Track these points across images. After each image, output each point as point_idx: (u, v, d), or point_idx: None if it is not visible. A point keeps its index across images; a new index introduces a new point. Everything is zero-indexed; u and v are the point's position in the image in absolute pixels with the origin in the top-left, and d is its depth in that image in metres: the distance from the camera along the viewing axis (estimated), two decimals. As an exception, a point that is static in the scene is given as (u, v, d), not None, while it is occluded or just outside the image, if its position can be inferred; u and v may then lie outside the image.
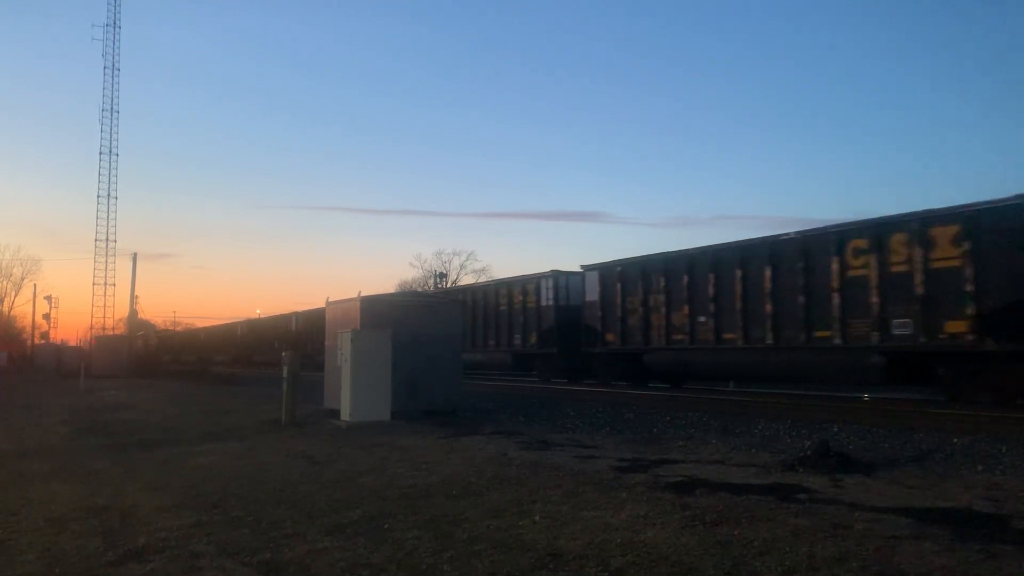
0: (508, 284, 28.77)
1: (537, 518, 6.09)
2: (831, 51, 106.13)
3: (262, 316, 53.06)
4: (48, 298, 70.73)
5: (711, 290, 18.94)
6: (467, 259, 69.27)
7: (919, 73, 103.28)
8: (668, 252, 20.75)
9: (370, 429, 12.58)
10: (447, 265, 68.22)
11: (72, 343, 75.14)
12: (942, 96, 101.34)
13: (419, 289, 60.51)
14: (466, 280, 62.44)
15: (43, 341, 66.59)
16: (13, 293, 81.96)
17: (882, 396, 17.41)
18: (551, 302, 25.81)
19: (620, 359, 22.56)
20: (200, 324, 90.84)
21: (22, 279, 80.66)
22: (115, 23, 58.69)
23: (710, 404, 16.23)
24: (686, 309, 19.67)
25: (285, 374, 14.33)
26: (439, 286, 58.10)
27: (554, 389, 22.96)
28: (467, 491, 7.29)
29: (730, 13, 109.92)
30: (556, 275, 26.03)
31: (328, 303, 17.25)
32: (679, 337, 19.92)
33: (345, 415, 13.63)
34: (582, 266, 24.21)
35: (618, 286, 22.17)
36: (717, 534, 5.44)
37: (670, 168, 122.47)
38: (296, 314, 42.25)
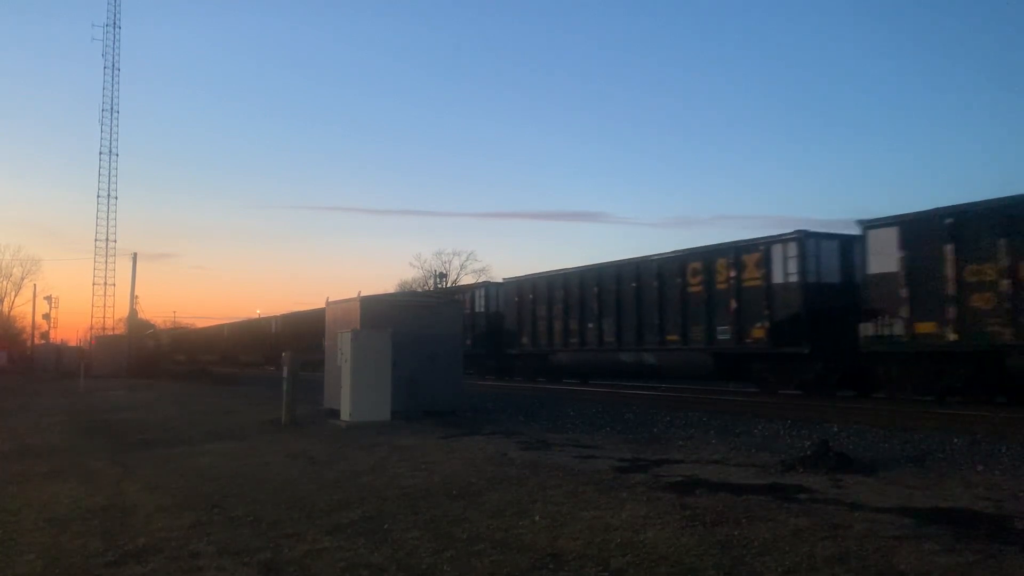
0: (706, 254, 19.93)
1: (537, 518, 6.09)
2: (831, 51, 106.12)
3: (303, 309, 47.13)
4: (48, 298, 70.55)
5: None
6: (467, 259, 69.16)
7: (919, 73, 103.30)
8: None
9: (370, 429, 12.58)
10: (447, 265, 68.07)
11: (72, 343, 75.13)
12: (941, 96, 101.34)
13: (419, 289, 60.46)
14: (466, 280, 62.38)
15: (43, 341, 66.53)
16: (13, 293, 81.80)
17: (882, 396, 17.38)
18: (794, 277, 17.53)
19: (946, 360, 14.90)
20: (201, 324, 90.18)
21: (22, 279, 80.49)
22: (115, 23, 58.57)
23: (710, 404, 16.23)
24: None
25: (285, 374, 14.36)
26: (439, 285, 58.03)
27: (554, 389, 22.90)
28: (467, 491, 7.30)
29: (730, 13, 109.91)
30: (802, 237, 17.58)
31: (328, 303, 17.26)
32: None
33: (345, 415, 13.64)
34: (861, 221, 16.35)
35: (946, 248, 14.41)
36: (717, 534, 5.44)
37: (670, 168, 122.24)
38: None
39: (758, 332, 18.22)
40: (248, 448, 11.06)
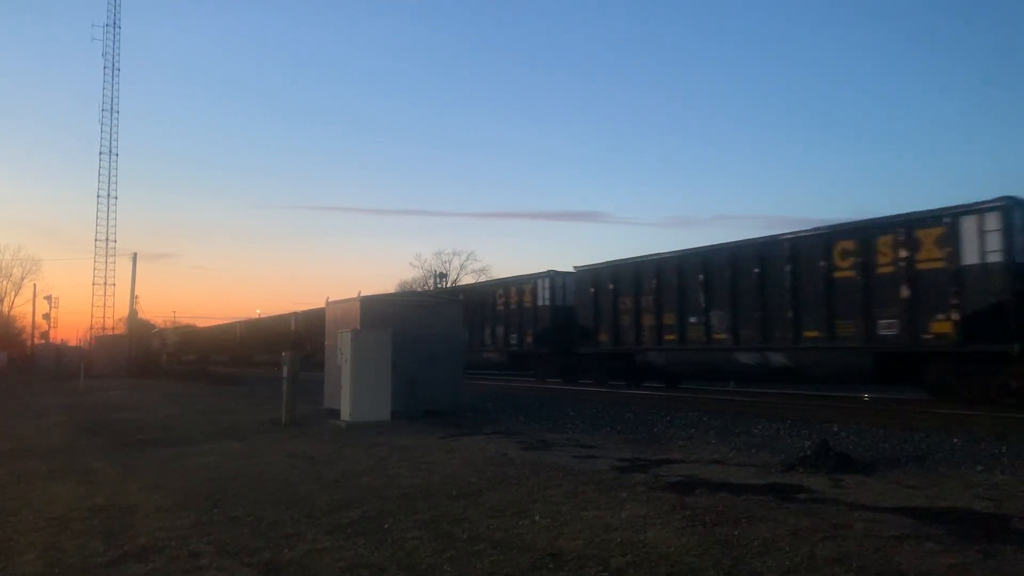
0: (861, 231, 16.20)
1: (537, 518, 6.10)
2: (830, 51, 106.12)
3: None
4: (48, 298, 70.55)
5: None
6: (467, 259, 69.28)
7: (918, 74, 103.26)
8: None
9: (370, 429, 12.58)
10: (447, 265, 68.18)
11: (72, 343, 75.17)
12: (939, 97, 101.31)
13: (419, 289, 60.42)
14: (466, 280, 62.37)
15: (43, 341, 66.52)
16: (13, 293, 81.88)
17: (882, 396, 17.39)
18: (996, 256, 13.86)
19: None
20: (201, 324, 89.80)
21: (22, 279, 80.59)
22: (115, 23, 58.77)
23: (710, 404, 16.23)
24: None
25: (285, 374, 14.35)
26: (439, 285, 58.03)
27: (555, 389, 22.89)
28: (467, 491, 7.30)
29: (730, 13, 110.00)
30: (1008, 205, 13.83)
31: (328, 303, 17.26)
32: None
33: (345, 415, 13.64)
34: None
35: None
36: (717, 534, 5.44)
37: (670, 168, 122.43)
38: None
39: (941, 326, 14.51)
40: (248, 448, 11.05)
